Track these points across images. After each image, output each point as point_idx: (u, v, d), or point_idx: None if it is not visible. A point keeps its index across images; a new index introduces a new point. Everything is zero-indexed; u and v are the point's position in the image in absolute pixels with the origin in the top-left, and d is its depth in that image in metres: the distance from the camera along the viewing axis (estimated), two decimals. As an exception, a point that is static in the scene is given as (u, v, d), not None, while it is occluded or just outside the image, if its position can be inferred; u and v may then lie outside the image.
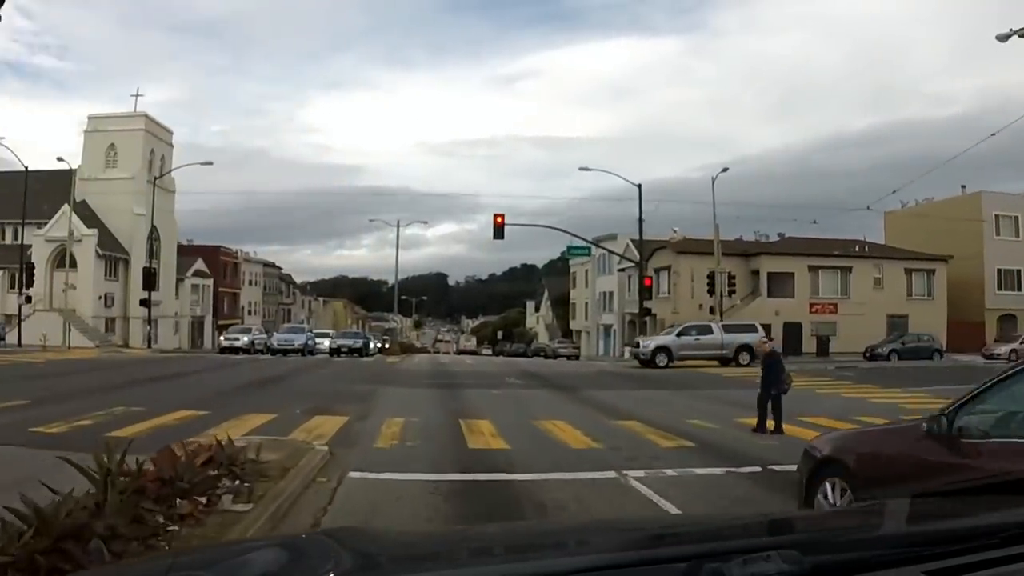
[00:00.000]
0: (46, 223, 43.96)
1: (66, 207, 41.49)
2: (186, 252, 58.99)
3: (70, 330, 39.19)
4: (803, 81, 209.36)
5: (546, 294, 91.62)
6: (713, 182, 38.18)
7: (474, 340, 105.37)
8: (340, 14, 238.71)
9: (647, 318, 42.38)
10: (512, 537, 2.07)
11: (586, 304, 67.97)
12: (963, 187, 54.14)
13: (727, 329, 32.71)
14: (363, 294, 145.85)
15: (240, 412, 12.68)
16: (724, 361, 31.59)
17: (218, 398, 15.55)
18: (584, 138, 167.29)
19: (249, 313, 71.59)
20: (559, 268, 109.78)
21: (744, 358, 31.08)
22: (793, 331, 40.20)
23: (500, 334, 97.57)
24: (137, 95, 49.98)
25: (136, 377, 20.11)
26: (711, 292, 37.40)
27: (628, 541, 1.78)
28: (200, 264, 59.56)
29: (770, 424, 11.91)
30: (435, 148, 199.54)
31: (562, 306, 78.57)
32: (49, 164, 41.13)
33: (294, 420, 11.92)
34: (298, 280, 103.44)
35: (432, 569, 1.56)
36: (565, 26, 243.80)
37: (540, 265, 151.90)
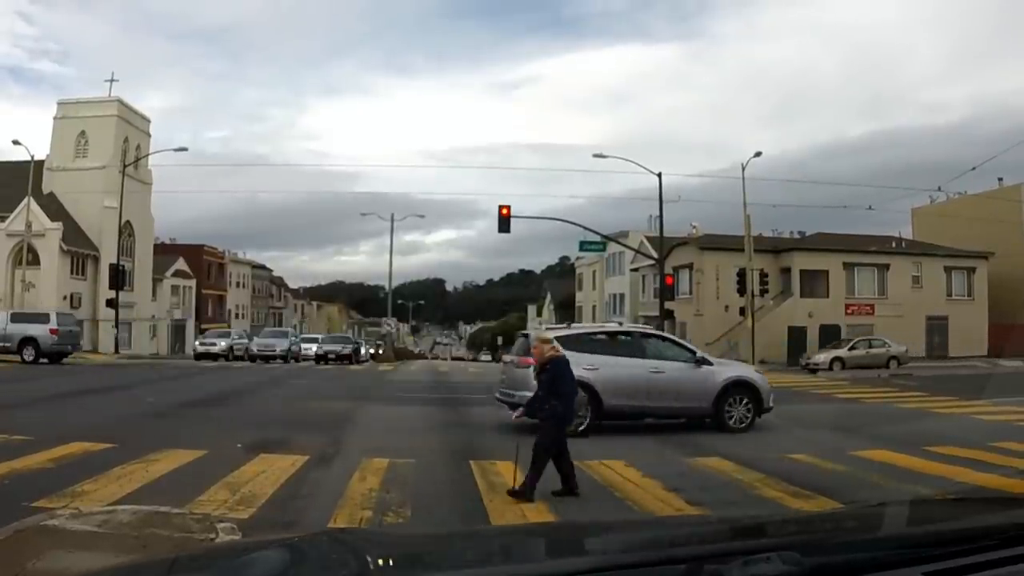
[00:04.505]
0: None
1: (28, 199, 37.48)
2: (167, 251, 54.99)
3: (27, 334, 35.10)
4: (801, 88, 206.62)
5: (548, 297, 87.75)
6: (743, 168, 34.33)
7: (464, 349, 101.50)
8: (340, 21, 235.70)
9: (667, 321, 38.55)
10: (513, 539, 2.06)
11: (594, 307, 64.09)
12: (1000, 179, 50.49)
13: (17, 318, 26.49)
14: (360, 299, 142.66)
15: (159, 445, 8.85)
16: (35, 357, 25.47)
17: (144, 422, 11.72)
18: (583, 145, 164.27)
19: (236, 316, 67.56)
20: (558, 274, 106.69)
21: (28, 353, 25.25)
22: (831, 335, 36.26)
23: (500, 339, 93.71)
24: (112, 80, 46.00)
25: (63, 390, 16.16)
26: (741, 291, 33.54)
27: (628, 543, 1.79)
28: (181, 263, 55.48)
29: (516, 475, 6.76)
30: (434, 155, 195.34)
31: (566, 310, 74.65)
32: (22, 156, 37.37)
33: (228, 461, 8.04)
34: (295, 285, 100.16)
35: (434, 571, 1.55)
36: (565, 33, 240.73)
37: (539, 271, 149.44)
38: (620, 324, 13.45)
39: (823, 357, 32.21)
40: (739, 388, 11.78)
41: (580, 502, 6.83)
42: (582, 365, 10.76)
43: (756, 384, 11.98)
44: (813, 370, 30.79)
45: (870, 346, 33.13)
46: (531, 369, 10.77)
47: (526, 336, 12.31)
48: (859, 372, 28.45)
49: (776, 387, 21.79)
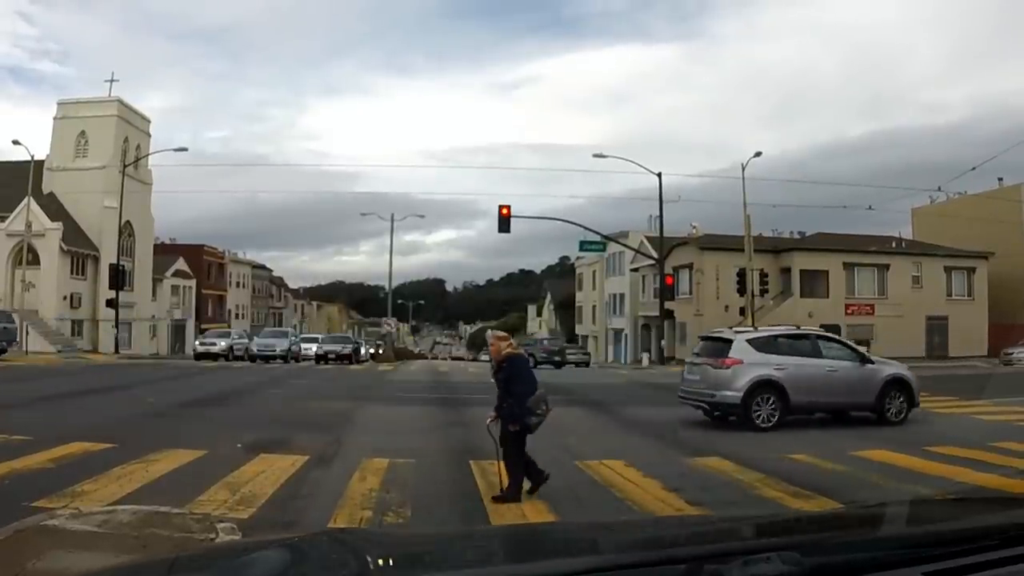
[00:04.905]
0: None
1: (28, 199, 37.47)
2: (167, 251, 54.94)
3: (27, 333, 35.09)
4: (801, 88, 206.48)
5: (548, 297, 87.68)
6: (743, 168, 34.36)
7: (464, 349, 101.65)
8: (340, 21, 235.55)
9: (666, 321, 38.58)
10: (514, 539, 2.05)
11: (594, 307, 64.10)
12: (1000, 179, 50.47)
13: None
14: (360, 299, 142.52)
15: (159, 445, 8.86)
16: None
17: (144, 422, 11.73)
18: (583, 145, 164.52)
19: (236, 316, 67.53)
20: (558, 274, 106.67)
21: None
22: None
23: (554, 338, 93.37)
24: (112, 80, 45.96)
25: (63, 390, 16.17)
26: (740, 291, 33.56)
27: (629, 543, 1.79)
28: (181, 264, 55.44)
29: (501, 477, 6.82)
30: (434, 155, 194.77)
31: (566, 310, 74.66)
32: (22, 156, 37.48)
33: (228, 461, 8.05)
34: (295, 285, 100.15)
35: (434, 571, 1.54)
36: (565, 33, 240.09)
37: (539, 271, 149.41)
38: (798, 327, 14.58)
39: None
40: (897, 384, 12.64)
41: (580, 502, 6.84)
42: (772, 365, 11.99)
43: (910, 381, 12.78)
44: None
45: None
46: (731, 369, 11.78)
47: (715, 339, 13.06)
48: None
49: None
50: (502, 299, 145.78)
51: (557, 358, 37.95)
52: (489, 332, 7.41)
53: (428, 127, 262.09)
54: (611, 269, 58.31)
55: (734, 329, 14.19)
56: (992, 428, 12.16)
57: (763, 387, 11.74)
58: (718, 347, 12.44)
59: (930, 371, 30.09)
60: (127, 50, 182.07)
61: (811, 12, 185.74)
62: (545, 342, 43.18)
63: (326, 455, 8.77)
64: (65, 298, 40.52)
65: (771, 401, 11.75)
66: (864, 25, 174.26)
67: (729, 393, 11.69)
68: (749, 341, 12.23)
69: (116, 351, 37.31)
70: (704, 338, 13.86)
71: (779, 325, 16.36)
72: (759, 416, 11.69)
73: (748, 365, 11.82)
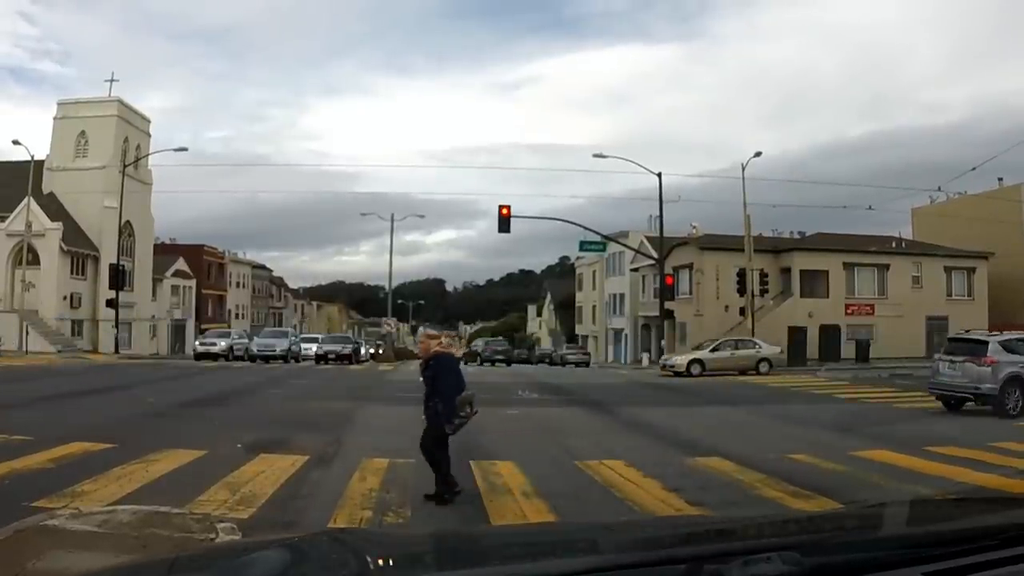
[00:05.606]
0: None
1: (28, 199, 37.48)
2: (167, 251, 54.95)
3: (27, 333, 35.14)
4: (801, 88, 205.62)
5: (548, 297, 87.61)
6: (743, 168, 34.34)
7: (463, 349, 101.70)
8: (340, 21, 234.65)
9: (666, 321, 38.54)
10: (514, 539, 2.07)
11: (594, 307, 64.08)
12: (1000, 179, 50.45)
13: None
14: (360, 299, 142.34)
15: (159, 445, 8.86)
16: None
17: (144, 422, 11.72)
18: (583, 145, 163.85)
19: (236, 317, 67.53)
20: (558, 274, 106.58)
21: None
22: (830, 335, 36.14)
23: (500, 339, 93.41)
24: (112, 80, 45.95)
25: (63, 390, 16.16)
26: (741, 291, 33.57)
27: (629, 542, 1.78)
28: (181, 264, 55.43)
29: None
30: (434, 155, 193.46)
31: (566, 310, 74.65)
32: (22, 156, 37.49)
33: (228, 461, 8.05)
34: (295, 285, 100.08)
35: (434, 571, 1.56)
36: (566, 33, 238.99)
37: (539, 271, 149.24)
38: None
39: (680, 359, 28.42)
40: None
41: (580, 502, 6.84)
42: (1018, 363, 14.01)
43: None
44: (678, 373, 27.46)
45: (736, 347, 29.07)
46: (991, 367, 13.79)
47: (969, 341, 15.00)
48: (861, 372, 28.36)
49: (774, 387, 21.87)
50: (502, 299, 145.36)
51: (499, 357, 41.31)
52: (420, 330, 7.45)
53: (428, 127, 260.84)
54: (611, 269, 58.30)
55: (983, 333, 16.49)
56: (992, 428, 12.18)
57: (1013, 381, 13.80)
58: (973, 347, 14.44)
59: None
60: (127, 50, 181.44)
61: (812, 12, 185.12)
62: (492, 343, 49.76)
63: (326, 455, 8.77)
64: (65, 298, 40.51)
65: (1017, 393, 13.80)
66: (864, 25, 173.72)
67: (990, 386, 13.70)
68: (1000, 343, 14.30)
69: (116, 351, 37.30)
70: (955, 340, 15.94)
71: (1014, 331, 18.46)
72: (1009, 405, 13.64)
73: (1002, 363, 13.81)
